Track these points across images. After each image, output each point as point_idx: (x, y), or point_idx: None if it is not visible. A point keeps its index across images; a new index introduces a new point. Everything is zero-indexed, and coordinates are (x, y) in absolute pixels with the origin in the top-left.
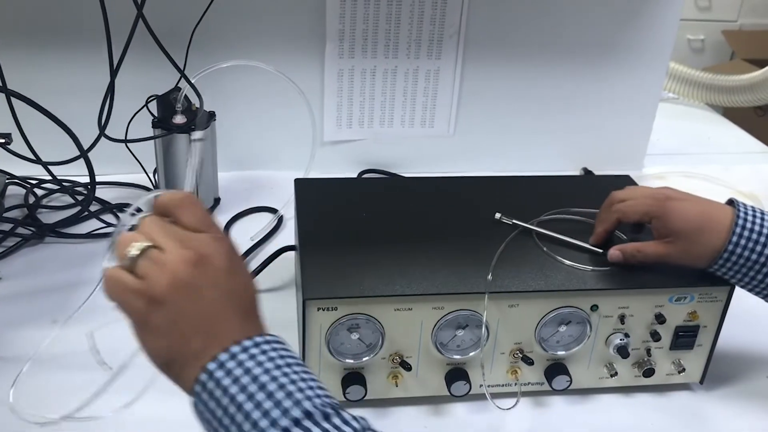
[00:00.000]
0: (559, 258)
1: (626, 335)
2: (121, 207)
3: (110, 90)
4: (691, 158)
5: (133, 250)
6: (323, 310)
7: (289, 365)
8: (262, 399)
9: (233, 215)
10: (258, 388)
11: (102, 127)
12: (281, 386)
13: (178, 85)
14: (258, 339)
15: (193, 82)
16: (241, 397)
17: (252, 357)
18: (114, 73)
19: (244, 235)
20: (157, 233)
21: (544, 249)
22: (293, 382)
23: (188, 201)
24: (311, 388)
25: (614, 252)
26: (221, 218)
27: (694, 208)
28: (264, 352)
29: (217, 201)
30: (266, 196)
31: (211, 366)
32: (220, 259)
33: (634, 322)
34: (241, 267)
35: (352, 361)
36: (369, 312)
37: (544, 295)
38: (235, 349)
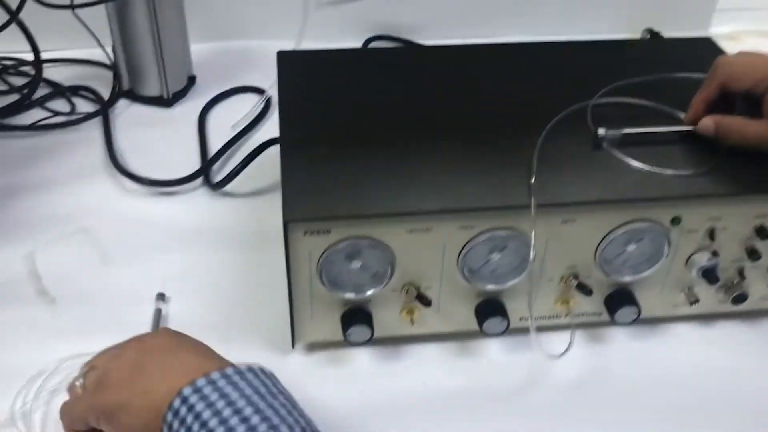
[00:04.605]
0: (628, 158)
1: (715, 254)
2: (76, 90)
3: None
4: None
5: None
6: (312, 233)
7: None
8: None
9: (211, 97)
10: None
11: None
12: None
13: None
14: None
15: None
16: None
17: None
18: None
19: (224, 123)
20: None
21: (605, 146)
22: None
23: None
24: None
25: (706, 121)
26: (197, 102)
27: None
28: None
29: (191, 80)
30: (251, 72)
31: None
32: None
33: (727, 238)
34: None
35: (353, 295)
36: (373, 235)
37: (611, 207)
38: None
